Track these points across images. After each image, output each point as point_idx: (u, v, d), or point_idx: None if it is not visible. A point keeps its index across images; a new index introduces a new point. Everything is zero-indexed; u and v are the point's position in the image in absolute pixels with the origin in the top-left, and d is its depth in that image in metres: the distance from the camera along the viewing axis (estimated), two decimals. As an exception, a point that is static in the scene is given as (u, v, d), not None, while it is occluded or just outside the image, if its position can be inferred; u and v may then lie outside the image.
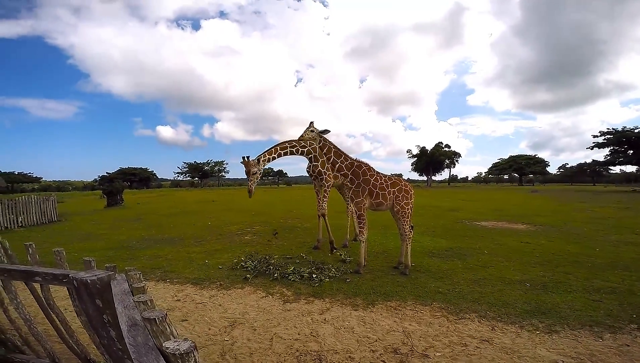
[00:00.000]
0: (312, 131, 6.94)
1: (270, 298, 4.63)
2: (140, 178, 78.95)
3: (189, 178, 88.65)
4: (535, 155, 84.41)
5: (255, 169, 6.62)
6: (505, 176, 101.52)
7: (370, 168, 5.91)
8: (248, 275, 5.61)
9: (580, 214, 14.54)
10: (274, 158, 6.89)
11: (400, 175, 7.20)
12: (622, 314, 3.93)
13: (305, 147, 7.04)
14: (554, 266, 6.06)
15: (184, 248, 8.10)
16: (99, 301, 1.60)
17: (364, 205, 5.75)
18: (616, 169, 69.80)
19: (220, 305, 4.41)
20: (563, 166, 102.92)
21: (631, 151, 52.02)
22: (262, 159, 6.70)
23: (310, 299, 4.55)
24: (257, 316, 4.03)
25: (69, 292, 2.47)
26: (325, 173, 7.32)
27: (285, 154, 6.97)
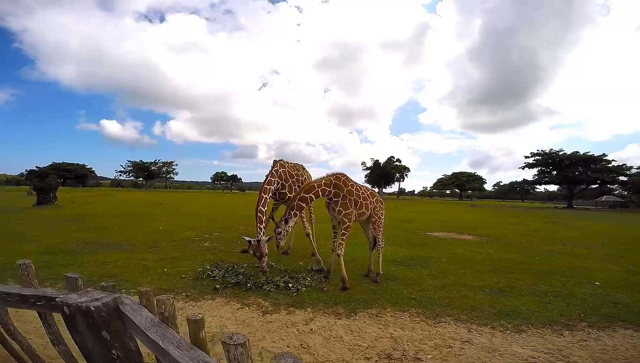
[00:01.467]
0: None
1: (247, 310, 4.35)
2: (76, 175, 70.19)
3: (132, 178, 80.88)
4: (474, 172, 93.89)
5: (267, 250, 5.77)
6: (448, 191, 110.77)
7: (348, 178, 5.79)
8: (218, 285, 5.24)
9: (516, 227, 16.36)
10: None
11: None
12: (572, 314, 4.45)
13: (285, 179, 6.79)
14: (505, 273, 6.67)
15: (136, 255, 7.31)
16: (106, 334, 1.27)
17: (353, 216, 5.59)
18: (541, 188, 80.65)
19: (191, 318, 4.02)
20: (497, 184, 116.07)
21: (555, 172, 60.76)
22: (262, 238, 5.68)
23: (290, 309, 4.38)
24: (237, 329, 3.75)
25: (39, 316, 1.98)
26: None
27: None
